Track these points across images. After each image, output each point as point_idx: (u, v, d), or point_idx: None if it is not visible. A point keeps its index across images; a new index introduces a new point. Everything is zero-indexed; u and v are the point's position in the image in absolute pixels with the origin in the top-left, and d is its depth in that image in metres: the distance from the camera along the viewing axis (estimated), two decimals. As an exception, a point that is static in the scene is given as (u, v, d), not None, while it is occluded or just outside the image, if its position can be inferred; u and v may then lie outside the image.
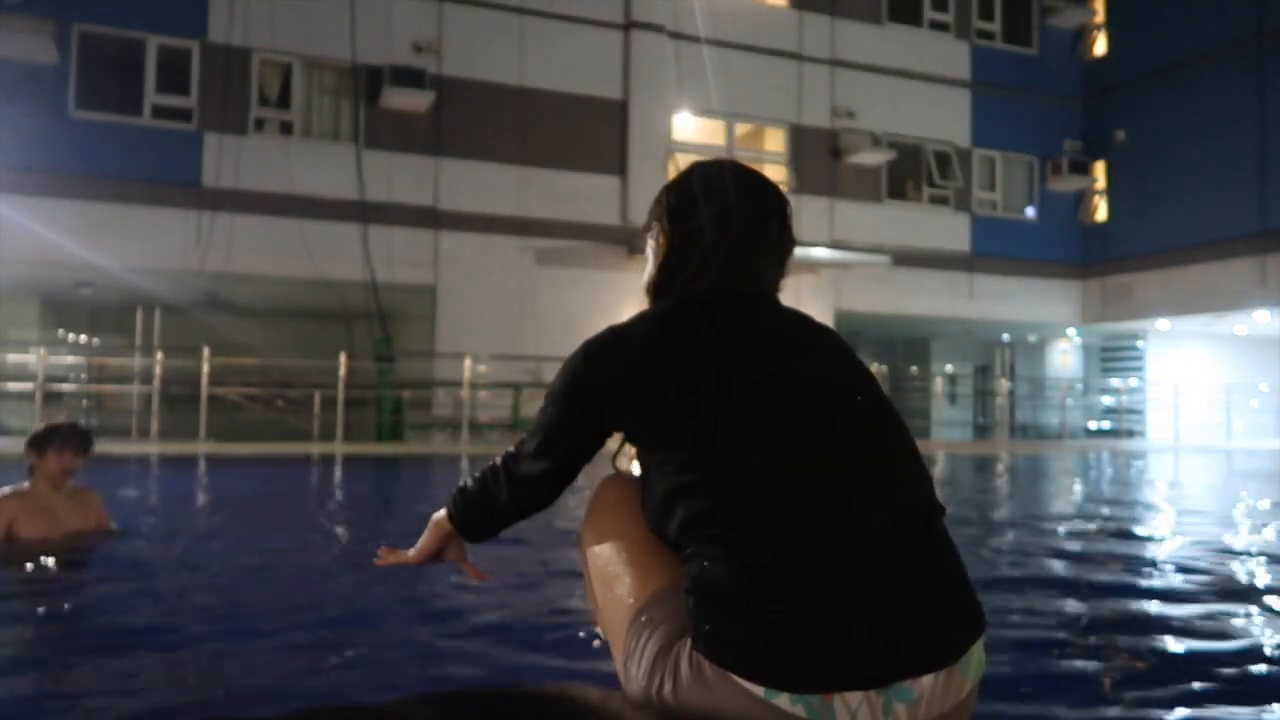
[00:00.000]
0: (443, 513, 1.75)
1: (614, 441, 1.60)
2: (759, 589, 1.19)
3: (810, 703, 1.13)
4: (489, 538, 1.74)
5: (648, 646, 1.31)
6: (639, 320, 1.48)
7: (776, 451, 1.27)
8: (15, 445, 11.04)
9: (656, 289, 1.57)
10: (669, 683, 1.26)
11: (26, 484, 3.65)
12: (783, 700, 1.13)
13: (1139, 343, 20.58)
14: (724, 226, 1.53)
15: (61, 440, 3.62)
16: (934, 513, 1.32)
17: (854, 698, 1.13)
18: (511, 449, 1.64)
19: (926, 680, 1.17)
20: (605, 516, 1.53)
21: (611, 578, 1.47)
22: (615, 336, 1.46)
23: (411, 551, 1.80)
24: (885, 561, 1.20)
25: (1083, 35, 20.41)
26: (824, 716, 1.13)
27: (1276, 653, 2.46)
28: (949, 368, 22.18)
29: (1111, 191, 19.54)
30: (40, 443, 3.63)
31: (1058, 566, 3.91)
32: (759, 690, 1.15)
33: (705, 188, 1.57)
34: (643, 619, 1.35)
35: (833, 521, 1.22)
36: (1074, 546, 4.52)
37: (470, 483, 1.69)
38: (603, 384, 1.44)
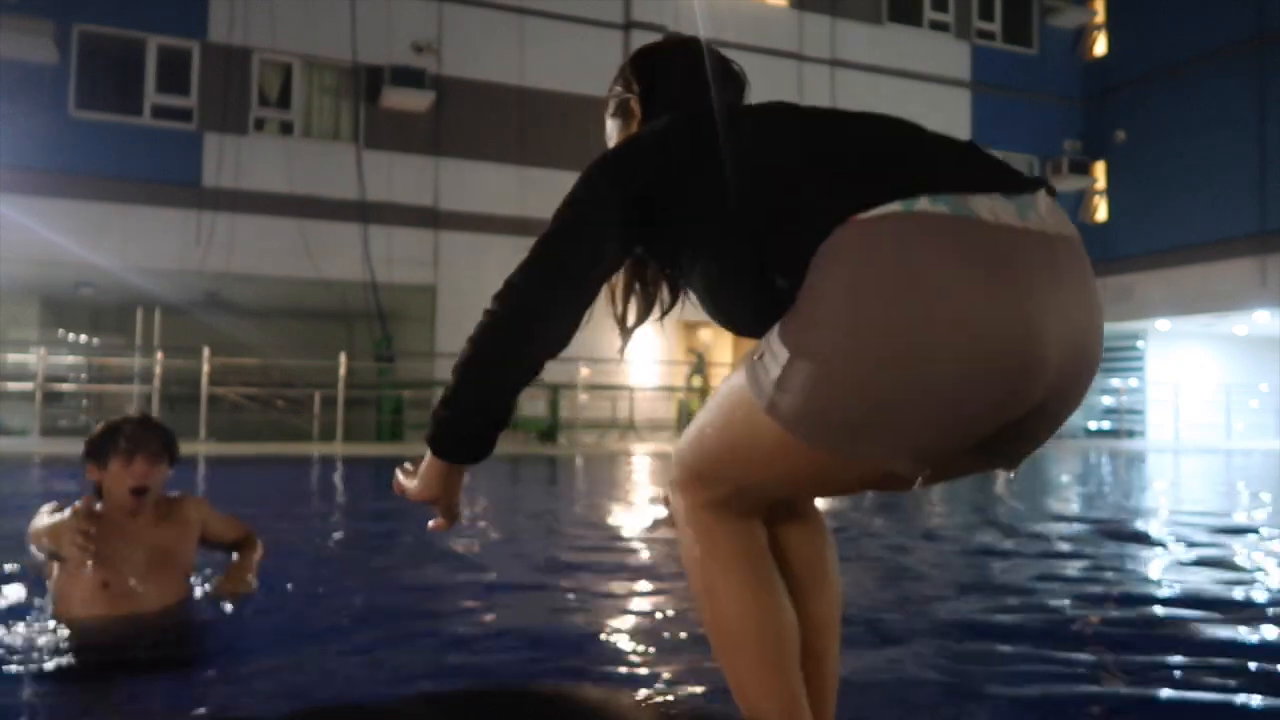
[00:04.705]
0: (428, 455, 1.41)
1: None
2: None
3: (949, 200, 1.12)
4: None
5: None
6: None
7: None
8: (16, 445, 11.03)
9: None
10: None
11: (98, 504, 2.40)
12: (922, 204, 1.11)
13: (1139, 343, 20.58)
14: (692, 76, 1.49)
15: (128, 443, 2.45)
16: None
17: (987, 199, 1.13)
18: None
19: (1043, 200, 1.18)
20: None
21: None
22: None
23: (414, 485, 1.45)
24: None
25: (1083, 35, 20.42)
26: (964, 210, 1.11)
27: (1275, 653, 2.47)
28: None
29: (1111, 192, 19.55)
30: (100, 450, 2.48)
31: (1058, 566, 3.91)
32: (896, 206, 1.12)
33: (670, 55, 1.55)
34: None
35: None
36: (1073, 547, 4.52)
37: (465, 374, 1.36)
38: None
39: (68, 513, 2.18)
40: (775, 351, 1.18)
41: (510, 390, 1.36)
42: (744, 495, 1.31)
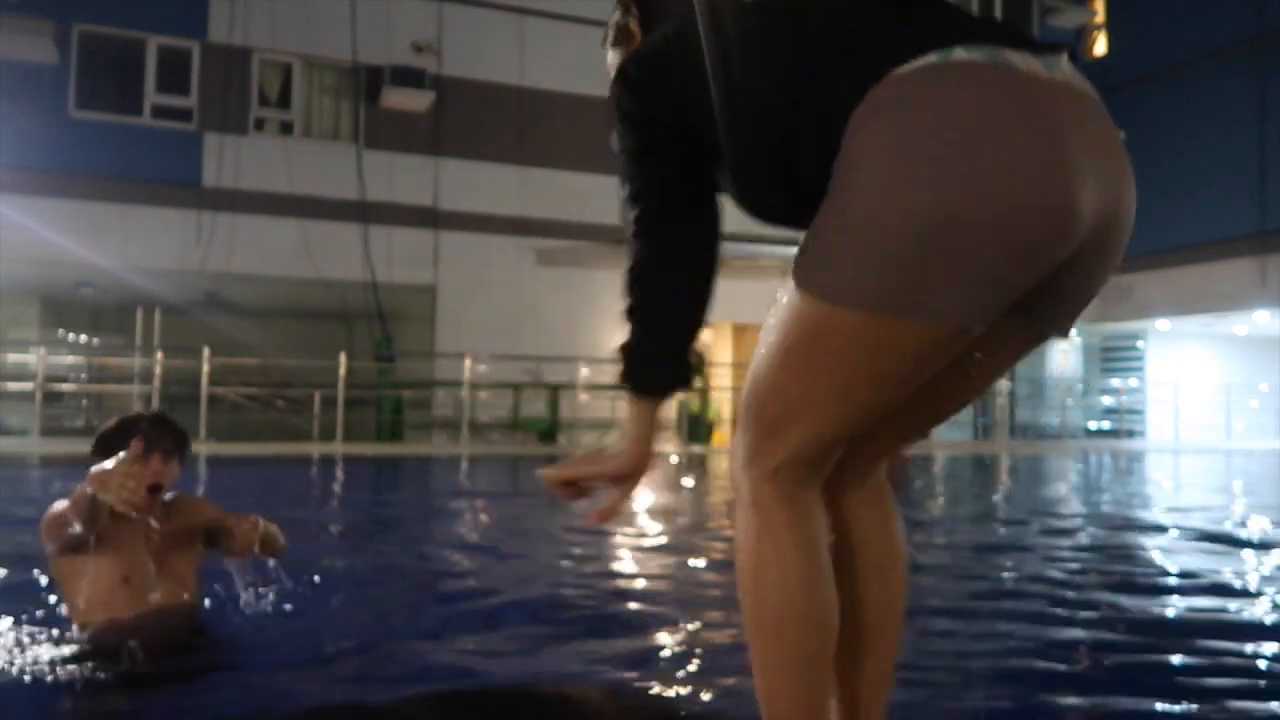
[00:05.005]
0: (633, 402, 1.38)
1: None
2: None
3: (986, 50, 1.13)
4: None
5: None
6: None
7: None
8: (16, 445, 11.03)
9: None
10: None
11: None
12: (959, 53, 1.12)
13: (1139, 343, 20.57)
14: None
15: (145, 440, 2.33)
16: None
17: (1018, 53, 1.14)
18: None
19: (1065, 61, 1.19)
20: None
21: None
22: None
23: (612, 464, 1.41)
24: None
25: (1083, 35, 20.41)
26: (1000, 59, 1.13)
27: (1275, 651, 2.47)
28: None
29: (1111, 191, 19.49)
30: (114, 446, 2.31)
31: (1062, 565, 3.91)
32: (932, 58, 1.12)
33: None
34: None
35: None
36: (1079, 544, 4.52)
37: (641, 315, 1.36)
38: None
39: (116, 459, 2.11)
40: (819, 233, 1.18)
41: (682, 322, 1.38)
42: (810, 442, 1.26)
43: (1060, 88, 1.15)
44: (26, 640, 2.37)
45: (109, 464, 2.09)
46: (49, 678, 2.13)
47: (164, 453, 2.43)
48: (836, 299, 1.16)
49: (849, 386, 1.21)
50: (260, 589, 2.84)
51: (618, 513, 1.46)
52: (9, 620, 2.56)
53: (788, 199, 1.27)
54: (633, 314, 1.38)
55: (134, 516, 2.30)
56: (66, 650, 2.28)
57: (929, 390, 1.28)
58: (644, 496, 7.10)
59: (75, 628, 2.39)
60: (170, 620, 2.43)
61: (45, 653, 2.27)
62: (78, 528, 2.25)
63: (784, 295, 1.24)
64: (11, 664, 2.21)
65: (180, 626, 2.43)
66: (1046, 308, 1.25)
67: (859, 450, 1.37)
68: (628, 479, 1.42)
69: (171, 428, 2.49)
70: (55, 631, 2.41)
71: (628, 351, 1.38)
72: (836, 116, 1.16)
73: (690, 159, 1.36)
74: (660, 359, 1.38)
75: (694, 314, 1.38)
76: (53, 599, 2.68)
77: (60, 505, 2.31)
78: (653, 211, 1.36)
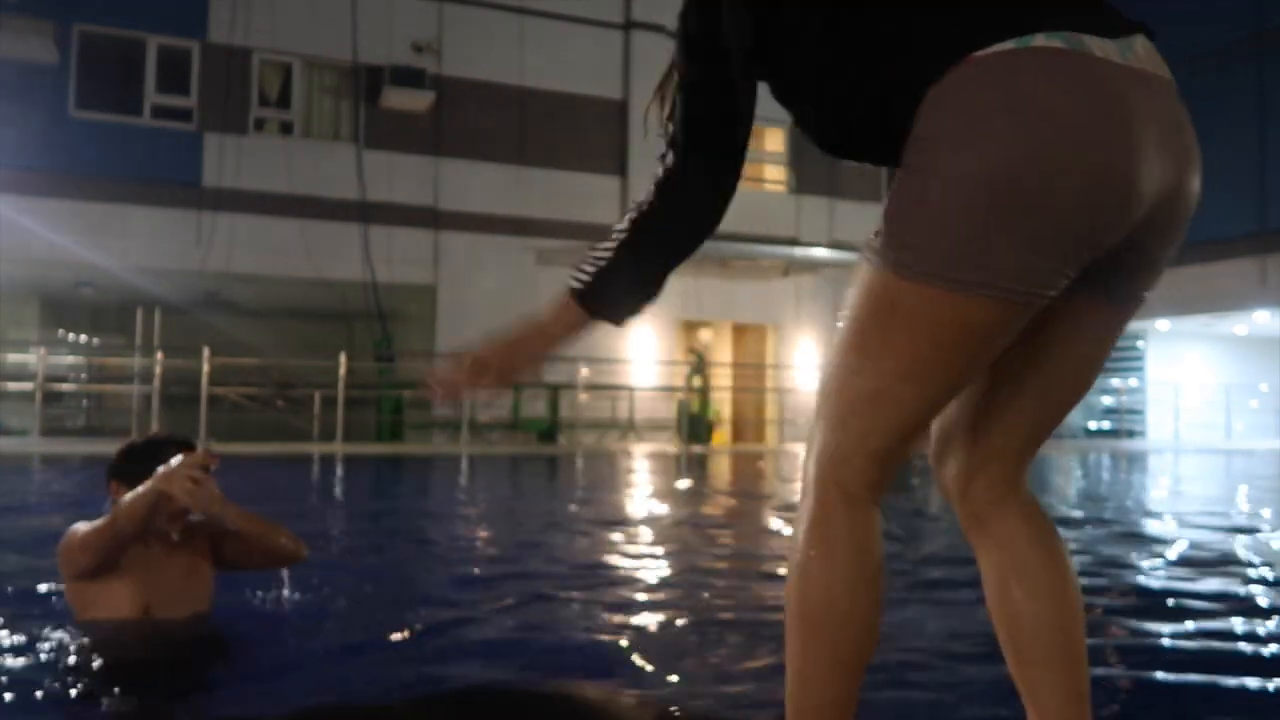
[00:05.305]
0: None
1: None
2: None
3: (1064, 36, 1.17)
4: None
5: None
6: None
7: None
8: (16, 445, 11.03)
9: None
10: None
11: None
12: (1038, 39, 1.16)
13: (1139, 343, 20.57)
14: None
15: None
16: None
17: (1094, 38, 1.19)
18: None
19: (1140, 42, 1.24)
20: None
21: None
22: None
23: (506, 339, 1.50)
24: None
25: (1083, 35, 20.41)
26: (1077, 45, 1.17)
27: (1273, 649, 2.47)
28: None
29: (1111, 191, 19.50)
30: (137, 472, 2.27)
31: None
32: (1011, 43, 1.16)
33: None
34: None
35: None
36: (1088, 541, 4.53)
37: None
38: None
39: (179, 458, 2.15)
40: (894, 211, 1.23)
41: (667, 252, 1.47)
42: (882, 430, 1.28)
43: (1132, 72, 1.20)
44: (32, 642, 2.37)
45: (172, 461, 2.15)
46: (51, 679, 2.13)
47: None
48: (910, 273, 1.20)
49: (922, 364, 1.24)
50: (260, 590, 2.84)
51: (458, 388, 1.50)
52: (14, 621, 2.56)
53: (850, 141, 1.34)
54: (627, 241, 1.46)
55: (195, 515, 2.27)
56: (71, 653, 2.28)
57: (1045, 386, 1.34)
58: (645, 494, 7.11)
59: (78, 631, 2.36)
60: (183, 629, 2.40)
61: (49, 655, 2.28)
62: (99, 555, 2.22)
63: (856, 279, 1.29)
64: (16, 664, 2.21)
65: (191, 633, 2.42)
66: (1118, 282, 1.30)
67: (994, 465, 1.38)
68: (500, 360, 1.50)
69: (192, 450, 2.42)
70: (59, 634, 2.41)
71: (602, 267, 1.47)
72: (916, 84, 1.21)
73: (733, 106, 1.40)
74: (623, 288, 1.47)
75: (670, 266, 1.47)
76: (55, 599, 2.68)
77: (81, 529, 2.26)
78: (683, 154, 1.40)
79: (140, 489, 2.18)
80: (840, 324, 1.31)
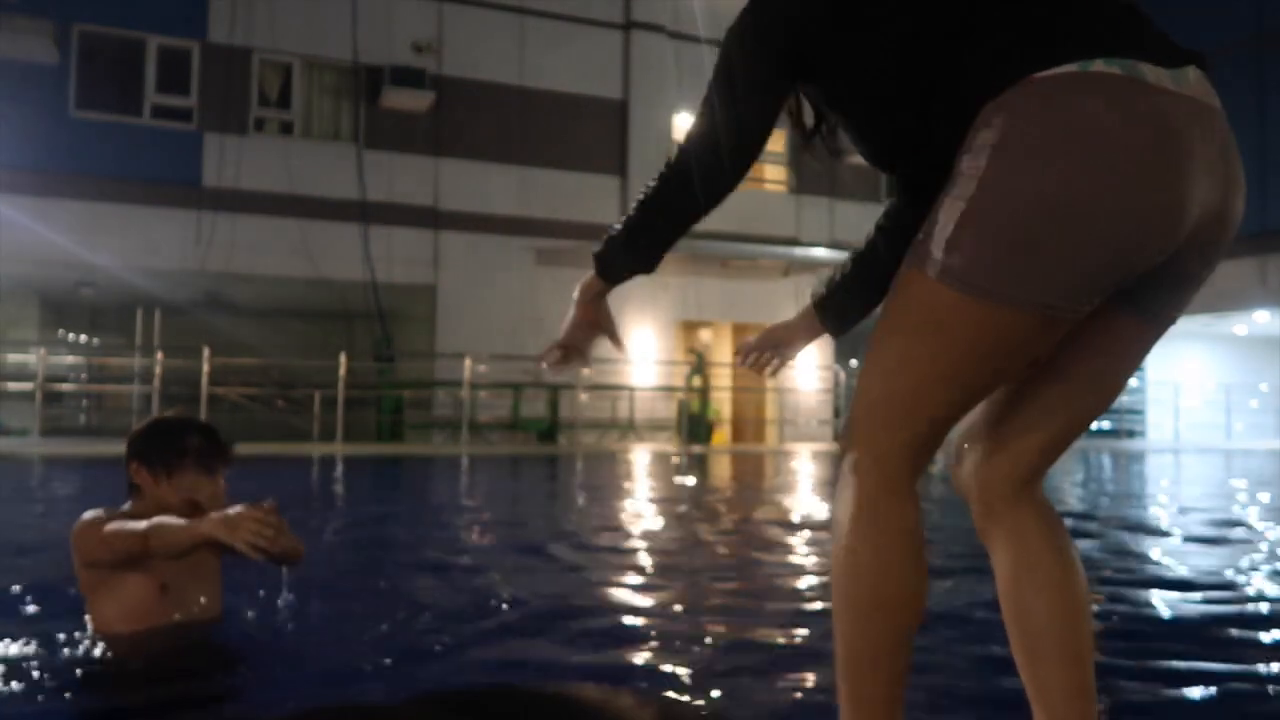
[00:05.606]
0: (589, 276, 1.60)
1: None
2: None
3: (1123, 64, 1.22)
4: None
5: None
6: None
7: None
8: (16, 445, 11.03)
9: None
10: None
11: (126, 505, 2.35)
12: (1097, 65, 1.21)
13: (1139, 343, 20.56)
14: None
15: (197, 459, 2.34)
16: None
17: (1149, 66, 1.23)
18: None
19: (1193, 72, 1.28)
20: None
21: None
22: None
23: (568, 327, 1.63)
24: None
25: (1083, 35, 20.42)
26: (1135, 72, 1.21)
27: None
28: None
29: (1111, 191, 19.49)
30: (161, 457, 2.32)
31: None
32: (1073, 67, 1.21)
33: None
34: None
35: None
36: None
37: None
38: None
39: (238, 508, 2.09)
40: (943, 220, 1.26)
41: (677, 222, 1.52)
42: (918, 426, 1.31)
43: (1184, 100, 1.24)
44: (37, 643, 2.37)
45: (233, 510, 2.07)
46: (51, 678, 2.13)
47: (210, 471, 2.39)
48: (955, 282, 1.24)
49: (958, 369, 1.28)
50: (261, 591, 2.84)
51: (564, 360, 1.64)
52: (19, 622, 2.56)
53: (901, 154, 1.40)
54: (653, 207, 1.51)
55: (256, 558, 2.17)
56: (71, 653, 2.28)
57: (1073, 395, 1.39)
58: (645, 494, 7.11)
59: (93, 631, 2.35)
60: (197, 628, 2.39)
61: (51, 654, 2.28)
62: (119, 558, 2.20)
63: (898, 282, 1.32)
64: (22, 666, 2.21)
65: (191, 634, 2.41)
66: (1154, 298, 1.35)
67: (1015, 467, 1.42)
68: (579, 336, 1.62)
69: (222, 441, 2.44)
70: (67, 634, 2.41)
71: (620, 234, 1.55)
72: (974, 100, 1.25)
73: (785, 94, 1.45)
74: (644, 252, 1.55)
75: (682, 230, 1.53)
76: (61, 600, 2.68)
77: (103, 521, 2.21)
78: (729, 126, 1.42)
79: (191, 525, 2.11)
80: (880, 322, 1.35)
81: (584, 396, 15.41)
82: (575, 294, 1.62)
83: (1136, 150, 1.19)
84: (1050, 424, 1.41)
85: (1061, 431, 1.42)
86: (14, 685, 2.07)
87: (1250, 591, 3.31)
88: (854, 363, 16.36)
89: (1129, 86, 1.21)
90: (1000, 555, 1.42)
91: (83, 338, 17.14)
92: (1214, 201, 1.27)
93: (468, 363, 14.24)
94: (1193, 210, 1.23)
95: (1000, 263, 1.21)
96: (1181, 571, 3.74)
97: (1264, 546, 4.48)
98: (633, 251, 1.56)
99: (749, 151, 1.44)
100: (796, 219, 17.45)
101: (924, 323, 1.28)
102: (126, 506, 2.34)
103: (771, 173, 17.95)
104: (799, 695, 2.08)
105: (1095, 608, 3.04)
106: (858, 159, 1.62)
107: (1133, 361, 1.41)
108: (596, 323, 1.63)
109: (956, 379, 1.29)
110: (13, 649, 2.31)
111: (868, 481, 1.33)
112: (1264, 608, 3.04)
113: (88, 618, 2.38)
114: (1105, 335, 1.37)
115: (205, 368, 13.02)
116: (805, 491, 7.94)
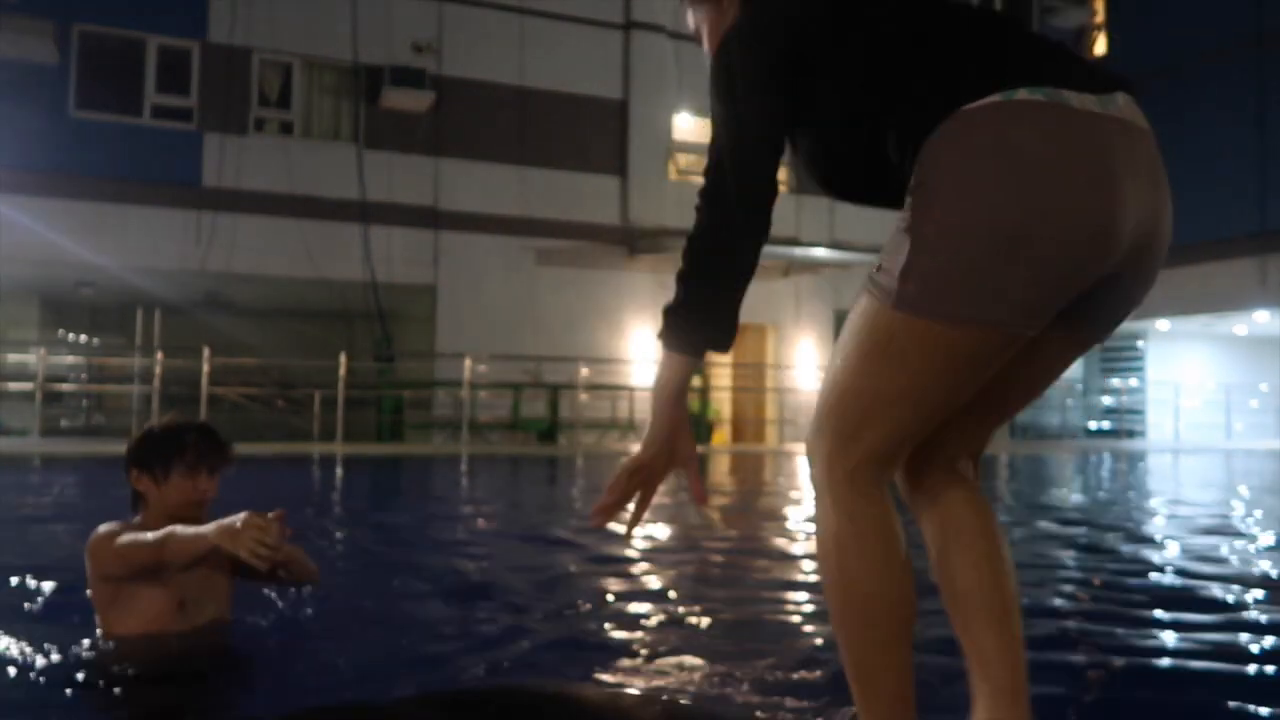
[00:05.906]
0: (667, 373, 1.51)
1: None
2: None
3: (1046, 91, 1.28)
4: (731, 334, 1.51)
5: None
6: None
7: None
8: (16, 445, 11.02)
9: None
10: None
11: (136, 517, 2.33)
12: (1021, 94, 1.27)
13: (1139, 343, 20.57)
14: None
15: (195, 454, 2.32)
16: None
17: (1073, 93, 1.29)
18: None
19: (1121, 97, 1.33)
20: None
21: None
22: None
23: (640, 454, 1.53)
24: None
25: (1083, 35, 20.41)
26: (1058, 98, 1.28)
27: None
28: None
29: (1111, 191, 19.49)
30: (156, 460, 2.30)
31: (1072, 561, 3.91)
32: (997, 97, 1.27)
33: None
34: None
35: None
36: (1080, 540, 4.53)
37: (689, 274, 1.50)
38: None
39: (242, 516, 2.04)
40: (896, 251, 1.32)
41: (731, 279, 1.50)
42: (885, 442, 1.38)
43: (1110, 121, 1.30)
44: (36, 645, 2.37)
45: (235, 518, 2.04)
46: (56, 683, 2.13)
47: (210, 466, 2.35)
48: (910, 309, 1.30)
49: (920, 389, 1.35)
50: (260, 592, 2.84)
51: (638, 515, 1.58)
52: (25, 623, 2.56)
53: (865, 182, 1.45)
54: (694, 271, 1.50)
55: (262, 570, 2.15)
56: (73, 657, 2.28)
57: (995, 395, 1.46)
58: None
59: (101, 635, 2.32)
60: (207, 634, 2.35)
61: (54, 660, 2.27)
62: (134, 570, 2.19)
63: (859, 307, 1.39)
64: (26, 667, 2.21)
65: (191, 636, 2.39)
66: (1085, 317, 1.41)
67: (938, 452, 1.51)
68: (653, 468, 1.54)
69: (219, 438, 2.40)
70: (60, 637, 2.41)
71: (682, 306, 1.50)
72: (917, 132, 1.32)
73: (786, 101, 1.45)
74: (710, 317, 1.50)
75: (747, 277, 1.51)
76: (65, 603, 2.68)
77: (117, 535, 2.20)
78: (742, 146, 1.44)
79: (199, 533, 2.10)
80: (840, 347, 1.41)
81: (584, 397, 15.41)
82: (651, 398, 1.54)
83: (1067, 170, 1.25)
84: (980, 422, 1.51)
85: (989, 426, 1.53)
86: (20, 688, 2.07)
87: (1248, 598, 3.31)
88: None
89: (1053, 111, 1.27)
90: (927, 525, 1.51)
91: (83, 338, 17.13)
92: (1145, 219, 1.32)
93: (468, 363, 14.24)
94: (1125, 224, 1.29)
95: (952, 287, 1.27)
96: (1181, 572, 3.74)
97: (1263, 546, 4.48)
98: (707, 320, 1.51)
99: (755, 151, 1.44)
100: (796, 219, 17.43)
101: (883, 347, 1.34)
102: (136, 520, 2.31)
103: (771, 173, 17.94)
104: (799, 695, 2.08)
105: (1092, 606, 3.04)
106: None
107: (1058, 371, 1.51)
108: (679, 448, 1.54)
109: (917, 398, 1.36)
110: (15, 650, 2.31)
111: (843, 494, 1.40)
112: (1264, 610, 3.04)
113: (99, 631, 2.32)
114: (1037, 350, 1.42)
115: (205, 368, 13.02)
116: (805, 492, 7.94)
